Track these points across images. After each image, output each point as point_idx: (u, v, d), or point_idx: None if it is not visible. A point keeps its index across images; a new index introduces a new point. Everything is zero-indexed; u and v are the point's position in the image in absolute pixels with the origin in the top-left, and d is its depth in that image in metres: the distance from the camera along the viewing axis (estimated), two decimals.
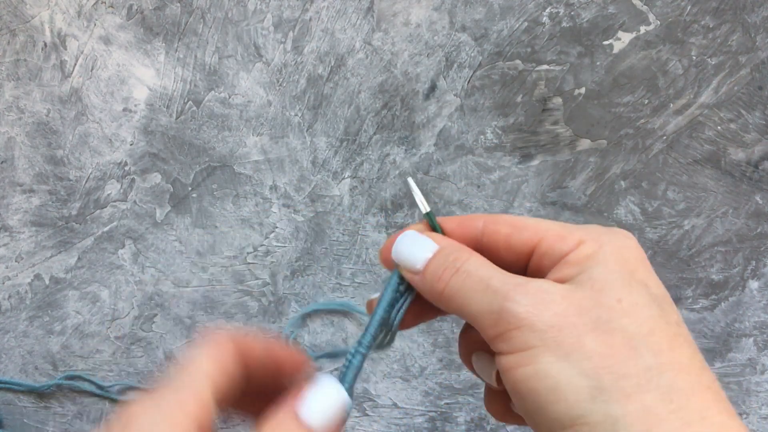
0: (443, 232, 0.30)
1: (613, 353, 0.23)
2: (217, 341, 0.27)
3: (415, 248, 0.28)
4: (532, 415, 0.25)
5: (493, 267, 0.27)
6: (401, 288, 0.30)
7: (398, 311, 0.30)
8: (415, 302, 0.30)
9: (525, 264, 0.28)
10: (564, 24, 0.55)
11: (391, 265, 0.30)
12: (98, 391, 0.58)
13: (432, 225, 0.30)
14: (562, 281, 0.26)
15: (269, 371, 0.29)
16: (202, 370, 0.26)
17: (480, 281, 0.26)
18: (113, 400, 0.58)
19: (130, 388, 0.58)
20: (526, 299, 0.25)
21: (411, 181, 0.31)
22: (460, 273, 0.27)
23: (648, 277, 0.26)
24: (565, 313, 0.24)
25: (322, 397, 0.27)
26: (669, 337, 0.24)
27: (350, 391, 0.28)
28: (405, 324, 0.30)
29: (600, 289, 0.25)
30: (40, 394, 0.58)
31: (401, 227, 0.57)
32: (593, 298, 0.24)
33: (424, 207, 0.30)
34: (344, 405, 0.27)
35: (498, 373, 0.28)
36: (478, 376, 0.31)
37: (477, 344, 0.30)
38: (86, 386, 0.58)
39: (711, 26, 0.54)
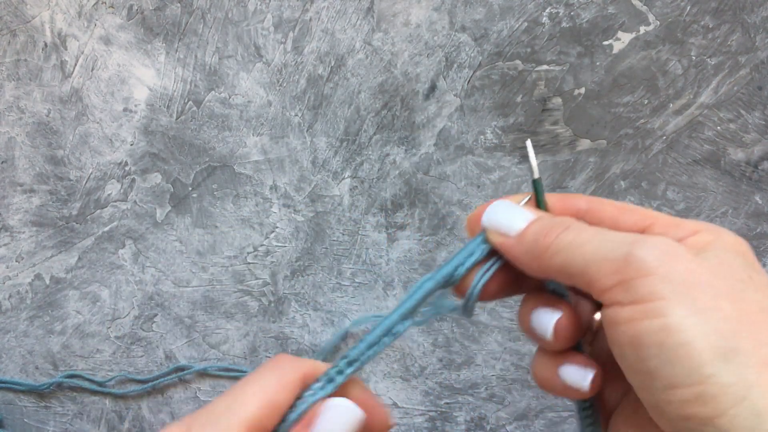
0: (545, 205, 0.28)
1: (750, 320, 0.22)
2: (279, 370, 0.27)
3: (514, 212, 0.27)
4: (649, 372, 0.23)
5: (602, 228, 0.25)
6: (482, 249, 0.28)
7: (483, 275, 0.28)
8: (500, 271, 0.28)
9: None
10: (564, 24, 0.55)
11: (477, 230, 0.28)
12: (97, 388, 0.58)
13: (537, 193, 0.28)
14: None
15: None
16: (244, 403, 0.26)
17: (598, 232, 0.25)
18: (114, 397, 0.58)
19: (128, 379, 0.58)
20: (658, 249, 0.23)
21: (530, 144, 0.30)
22: (571, 229, 0.25)
23: (763, 271, 0.25)
24: (698, 271, 0.23)
25: (336, 419, 0.27)
26: None
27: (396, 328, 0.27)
28: (488, 294, 0.29)
29: (729, 265, 0.24)
30: (40, 393, 0.58)
31: (401, 227, 0.57)
32: (724, 269, 0.23)
33: (535, 172, 0.29)
34: (358, 423, 0.27)
35: (561, 324, 0.27)
36: (534, 338, 0.29)
37: (542, 301, 0.28)
38: (86, 384, 0.58)
39: (711, 26, 0.54)
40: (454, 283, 0.28)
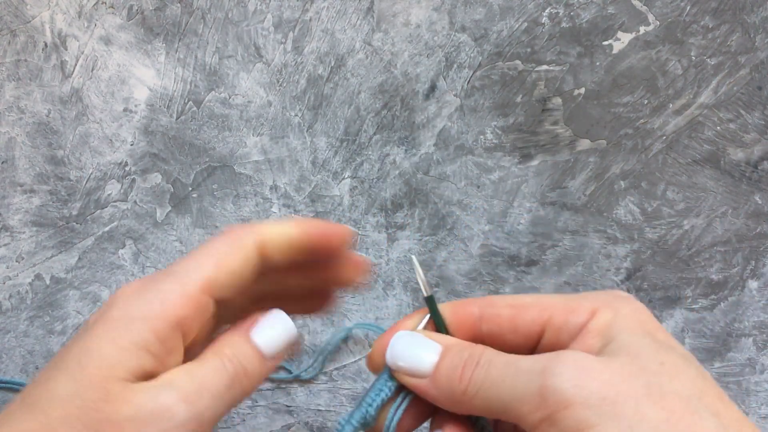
0: (445, 324, 0.28)
1: (677, 419, 0.22)
2: (232, 236, 0.28)
3: (418, 349, 0.27)
4: None
5: (513, 356, 0.25)
6: (389, 387, 0.27)
7: (396, 411, 0.27)
8: (414, 402, 0.28)
9: (534, 345, 0.27)
10: (564, 24, 0.55)
11: (380, 364, 0.28)
12: None
13: (432, 311, 0.28)
14: (590, 352, 0.24)
15: (315, 255, 0.29)
16: (198, 265, 0.27)
17: (507, 365, 0.24)
18: None
19: None
20: (568, 372, 0.23)
21: (415, 259, 0.30)
22: (481, 365, 0.25)
23: (669, 338, 0.25)
24: (613, 381, 0.22)
25: (274, 324, 0.28)
26: (718, 396, 0.23)
27: None
28: (404, 429, 0.28)
29: (637, 355, 0.23)
30: None
31: (401, 227, 0.57)
32: (634, 363, 0.23)
33: (425, 291, 0.28)
34: (292, 336, 0.28)
35: None
36: None
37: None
38: None
39: (710, 26, 0.54)
40: (370, 425, 0.28)
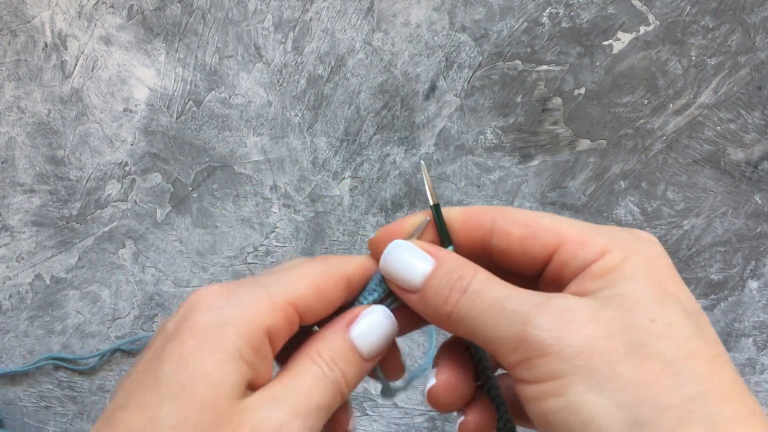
0: (448, 234, 0.27)
1: (651, 382, 0.21)
2: (327, 260, 0.27)
3: (411, 261, 0.26)
4: None
5: (505, 284, 0.24)
6: (381, 289, 0.28)
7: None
8: (402, 310, 0.28)
9: (541, 269, 0.26)
10: (564, 24, 0.55)
11: (379, 255, 0.28)
12: (80, 367, 0.58)
13: (437, 220, 0.27)
14: (585, 295, 0.23)
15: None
16: (290, 279, 0.26)
17: (494, 302, 0.24)
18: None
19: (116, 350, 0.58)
20: (550, 321, 0.22)
21: (423, 165, 0.29)
22: (468, 293, 0.24)
23: (680, 290, 0.24)
24: (594, 336, 0.22)
25: (375, 320, 0.27)
26: (709, 360, 0.22)
27: None
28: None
29: (630, 308, 0.22)
30: (41, 395, 0.58)
31: None
32: (624, 318, 0.22)
33: (431, 198, 0.28)
34: (392, 334, 0.27)
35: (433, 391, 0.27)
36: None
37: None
38: (69, 365, 0.58)
39: (710, 27, 0.54)
40: None
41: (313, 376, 0.25)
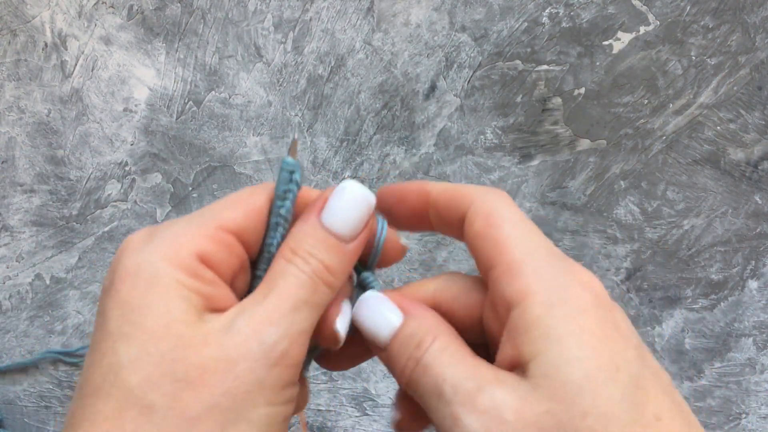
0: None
1: None
2: (256, 187, 0.26)
3: (378, 319, 0.25)
4: None
5: (453, 358, 0.23)
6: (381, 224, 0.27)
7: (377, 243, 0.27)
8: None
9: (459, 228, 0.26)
10: (564, 24, 0.55)
11: (382, 209, 0.27)
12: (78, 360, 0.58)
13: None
14: (516, 365, 0.22)
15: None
16: (212, 208, 0.24)
17: (434, 384, 0.23)
18: None
19: None
20: (476, 421, 0.21)
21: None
22: (419, 367, 0.23)
23: (614, 319, 0.22)
24: None
25: (345, 197, 0.25)
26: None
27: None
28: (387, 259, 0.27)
29: (561, 398, 0.21)
30: (41, 395, 0.58)
31: None
32: (554, 414, 0.20)
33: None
34: (368, 205, 0.25)
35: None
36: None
37: None
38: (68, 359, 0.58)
39: (710, 26, 0.54)
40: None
41: (285, 274, 0.24)
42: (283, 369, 0.22)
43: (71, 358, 0.58)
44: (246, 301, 0.23)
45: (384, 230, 0.27)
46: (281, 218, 0.25)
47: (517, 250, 0.23)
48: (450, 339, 0.24)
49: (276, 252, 0.25)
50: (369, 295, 0.26)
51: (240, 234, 0.24)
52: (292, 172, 0.25)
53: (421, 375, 0.23)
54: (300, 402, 0.27)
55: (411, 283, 0.27)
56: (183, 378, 0.21)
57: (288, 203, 0.25)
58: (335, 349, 0.26)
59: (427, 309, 0.25)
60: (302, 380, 0.27)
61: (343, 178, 0.57)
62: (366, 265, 0.27)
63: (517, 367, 0.22)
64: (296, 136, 0.26)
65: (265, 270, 0.25)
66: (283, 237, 0.25)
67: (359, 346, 0.27)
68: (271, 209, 0.25)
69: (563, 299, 0.22)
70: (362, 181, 0.56)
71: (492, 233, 0.24)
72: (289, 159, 0.25)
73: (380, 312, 0.25)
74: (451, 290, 0.26)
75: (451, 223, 0.26)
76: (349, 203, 0.25)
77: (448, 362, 0.23)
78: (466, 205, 0.25)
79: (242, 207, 0.25)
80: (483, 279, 0.25)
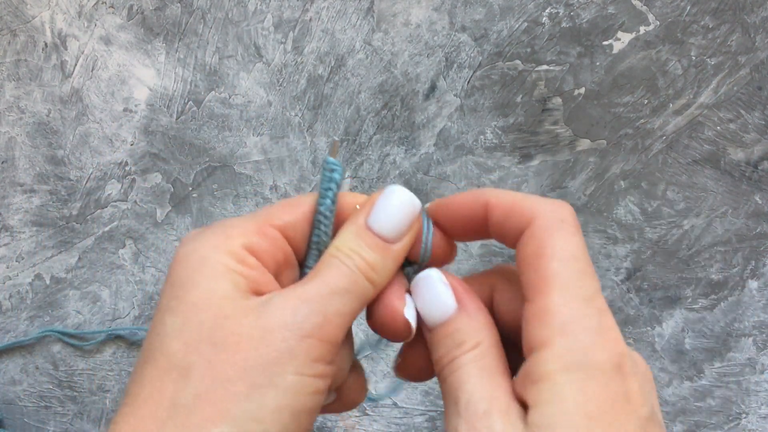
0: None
1: None
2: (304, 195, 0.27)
3: (434, 301, 0.26)
4: None
5: (482, 371, 0.24)
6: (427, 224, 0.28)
7: (426, 241, 0.28)
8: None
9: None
10: (564, 24, 0.55)
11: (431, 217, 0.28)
12: (77, 343, 0.58)
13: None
14: (525, 402, 0.23)
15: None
16: (262, 209, 0.26)
17: (455, 389, 0.24)
18: (115, 397, 0.58)
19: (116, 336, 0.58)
20: None
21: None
22: (452, 365, 0.24)
23: (626, 389, 0.22)
24: None
25: (390, 201, 0.26)
26: None
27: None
28: (438, 255, 0.28)
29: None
30: (41, 395, 0.58)
31: None
32: None
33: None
34: (414, 208, 0.27)
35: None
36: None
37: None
38: (68, 339, 0.58)
39: (710, 26, 0.54)
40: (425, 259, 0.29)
41: (329, 265, 0.25)
42: (316, 342, 0.23)
43: (72, 341, 0.58)
44: (289, 287, 0.25)
45: (430, 230, 0.28)
46: (322, 215, 0.26)
47: (555, 295, 0.23)
48: (489, 349, 0.24)
49: (323, 250, 0.26)
50: (433, 273, 0.26)
51: (285, 229, 0.26)
52: (332, 171, 0.27)
53: (449, 374, 0.24)
54: (354, 394, 0.28)
55: (473, 275, 0.28)
56: (220, 343, 0.22)
57: (328, 201, 0.26)
58: (407, 340, 0.27)
59: (481, 307, 0.26)
60: (357, 371, 0.29)
61: (344, 179, 0.57)
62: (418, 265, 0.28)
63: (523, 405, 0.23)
64: (337, 138, 0.28)
65: (310, 267, 0.26)
66: (326, 234, 0.26)
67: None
68: (315, 208, 0.27)
69: (580, 363, 0.22)
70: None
71: (539, 266, 0.24)
72: (331, 159, 0.27)
73: (438, 295, 0.26)
74: (508, 293, 0.27)
75: (509, 236, 0.26)
76: (395, 206, 0.26)
77: (476, 374, 0.24)
78: (526, 221, 0.25)
79: (288, 207, 0.26)
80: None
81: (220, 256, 0.24)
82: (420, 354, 0.27)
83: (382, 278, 0.26)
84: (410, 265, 0.28)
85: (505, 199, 0.26)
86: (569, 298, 0.23)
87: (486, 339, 0.25)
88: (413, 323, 0.26)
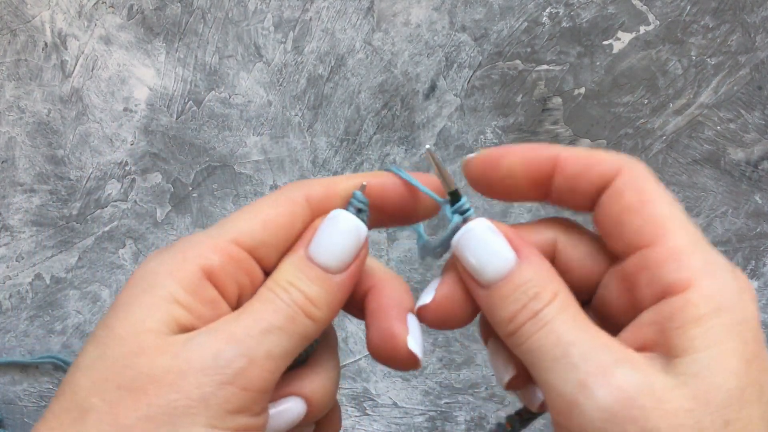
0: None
1: None
2: (279, 191, 0.25)
3: (488, 255, 0.23)
4: None
5: (578, 319, 0.22)
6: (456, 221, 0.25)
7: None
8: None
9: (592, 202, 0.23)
10: (564, 24, 0.55)
11: (480, 188, 0.25)
12: None
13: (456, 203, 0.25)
14: (650, 350, 0.21)
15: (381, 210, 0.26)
16: (232, 219, 0.24)
17: (557, 344, 0.21)
18: None
19: None
20: (610, 396, 0.20)
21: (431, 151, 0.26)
22: (537, 320, 0.22)
23: (762, 339, 0.21)
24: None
25: (333, 230, 0.24)
26: None
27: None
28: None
29: (707, 401, 0.19)
30: (41, 395, 0.58)
31: (401, 227, 0.57)
32: (694, 414, 0.19)
33: (449, 185, 0.25)
34: (359, 235, 0.24)
35: (516, 365, 0.24)
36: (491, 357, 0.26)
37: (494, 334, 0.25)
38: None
39: (711, 26, 0.54)
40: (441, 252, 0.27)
41: (263, 299, 0.23)
42: (236, 390, 0.21)
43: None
44: (221, 320, 0.22)
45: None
46: None
47: (680, 235, 0.21)
48: (570, 300, 0.22)
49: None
50: (481, 224, 0.24)
51: (255, 249, 0.24)
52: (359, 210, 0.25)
53: (535, 331, 0.21)
54: (333, 426, 0.26)
55: (523, 224, 0.25)
56: (127, 385, 0.20)
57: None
58: (416, 369, 0.24)
59: (543, 258, 0.23)
60: (333, 415, 0.26)
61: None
62: (456, 194, 0.25)
63: (649, 352, 0.21)
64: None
65: None
66: None
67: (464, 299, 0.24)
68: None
69: (731, 306, 0.20)
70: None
71: (648, 210, 0.22)
72: (358, 193, 0.25)
73: (492, 246, 0.23)
74: (577, 249, 0.25)
75: (581, 192, 0.24)
76: (338, 234, 0.24)
77: (573, 325, 0.21)
78: (609, 174, 0.23)
79: (260, 217, 0.24)
80: (613, 249, 0.23)
81: (170, 283, 0.22)
82: (457, 298, 0.24)
83: (324, 314, 0.23)
84: (453, 213, 0.25)
85: (580, 154, 0.24)
86: (695, 239, 0.21)
87: (562, 288, 0.23)
88: (419, 354, 0.24)
